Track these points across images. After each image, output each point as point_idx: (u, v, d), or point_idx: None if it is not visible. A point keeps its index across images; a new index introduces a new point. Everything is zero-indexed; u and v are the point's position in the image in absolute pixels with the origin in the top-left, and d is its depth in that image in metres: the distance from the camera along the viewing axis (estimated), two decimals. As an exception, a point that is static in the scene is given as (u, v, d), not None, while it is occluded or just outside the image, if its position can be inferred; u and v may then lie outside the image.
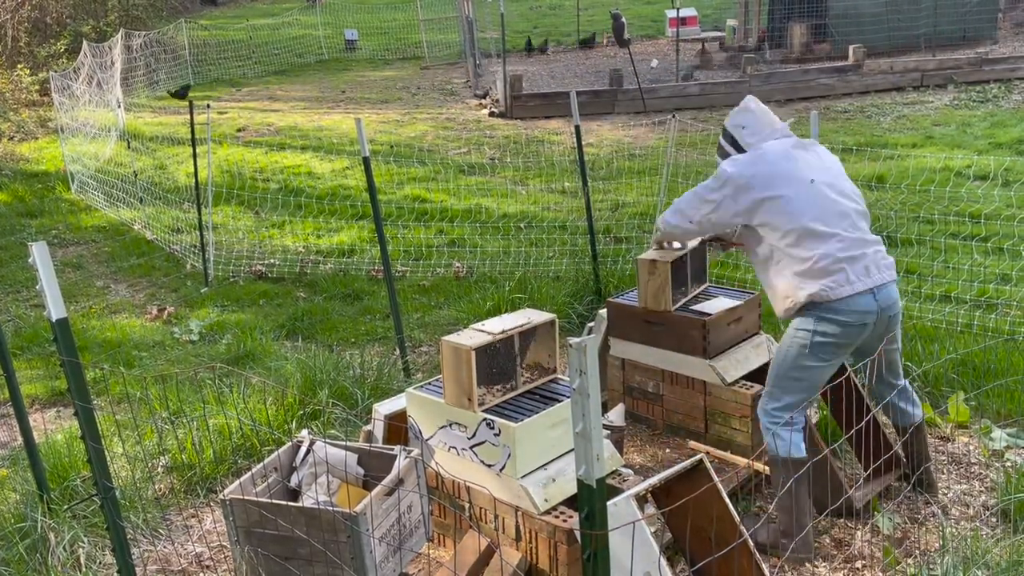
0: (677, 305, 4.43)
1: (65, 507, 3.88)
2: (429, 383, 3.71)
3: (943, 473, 4.18)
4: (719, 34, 18.79)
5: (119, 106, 10.75)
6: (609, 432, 3.92)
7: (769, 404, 3.66)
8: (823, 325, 3.49)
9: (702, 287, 4.71)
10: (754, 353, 4.45)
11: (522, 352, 3.62)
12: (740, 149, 3.87)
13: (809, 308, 3.52)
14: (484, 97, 15.55)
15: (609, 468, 3.58)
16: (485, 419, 3.33)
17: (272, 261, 7.92)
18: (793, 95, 14.13)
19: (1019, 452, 4.29)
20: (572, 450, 1.92)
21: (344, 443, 3.46)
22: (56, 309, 2.79)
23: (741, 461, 4.10)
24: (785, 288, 3.57)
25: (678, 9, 16.34)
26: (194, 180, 7.77)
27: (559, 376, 3.69)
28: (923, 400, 4.68)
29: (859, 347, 3.64)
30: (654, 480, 3.07)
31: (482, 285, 6.85)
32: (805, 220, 3.51)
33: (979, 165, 8.84)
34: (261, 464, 3.30)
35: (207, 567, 3.73)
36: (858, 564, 3.54)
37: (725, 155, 3.93)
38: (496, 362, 3.54)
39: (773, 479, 3.68)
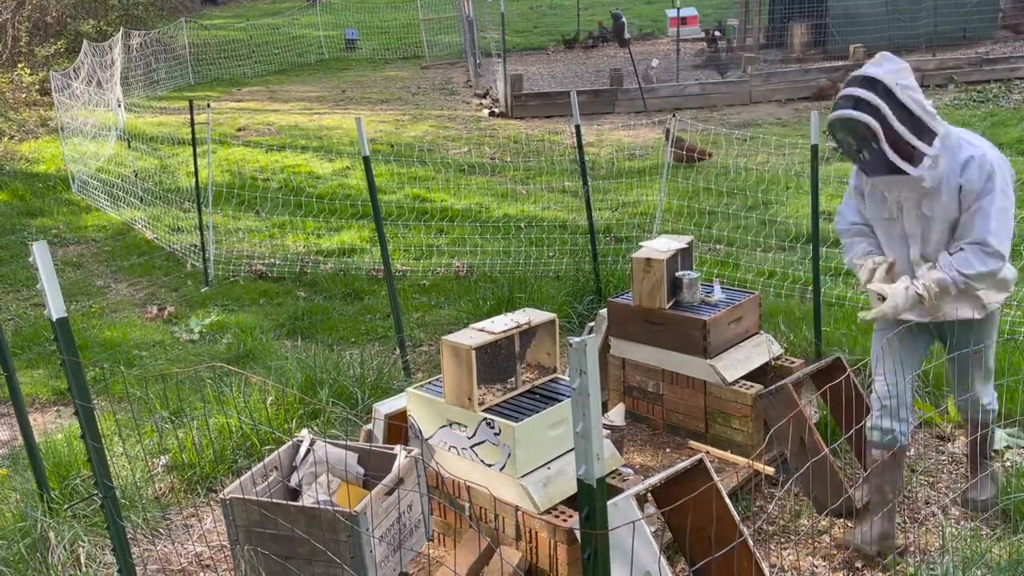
0: (670, 303, 4.42)
1: (65, 506, 3.88)
2: (429, 383, 3.71)
3: (943, 473, 4.18)
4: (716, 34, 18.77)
5: (119, 105, 10.75)
6: (609, 432, 3.92)
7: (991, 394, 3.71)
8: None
9: None
10: (754, 353, 4.45)
11: (522, 352, 3.62)
12: (928, 133, 3.13)
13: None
14: (484, 97, 15.55)
15: (609, 468, 3.58)
16: (485, 419, 3.33)
17: (272, 261, 7.92)
18: (793, 95, 14.13)
19: (1019, 452, 4.29)
20: (572, 450, 1.92)
21: (344, 443, 3.46)
22: (56, 308, 2.79)
23: (741, 461, 4.10)
24: (987, 298, 3.42)
25: (678, 9, 16.34)
26: (194, 180, 7.77)
27: (559, 376, 3.69)
28: (923, 400, 4.68)
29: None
30: (654, 480, 3.07)
31: (482, 285, 6.85)
32: None
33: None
34: (261, 464, 3.30)
35: (207, 566, 3.73)
36: (858, 564, 3.54)
37: (911, 152, 3.09)
38: (496, 362, 3.54)
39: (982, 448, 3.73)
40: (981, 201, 3.16)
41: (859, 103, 3.08)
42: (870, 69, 3.14)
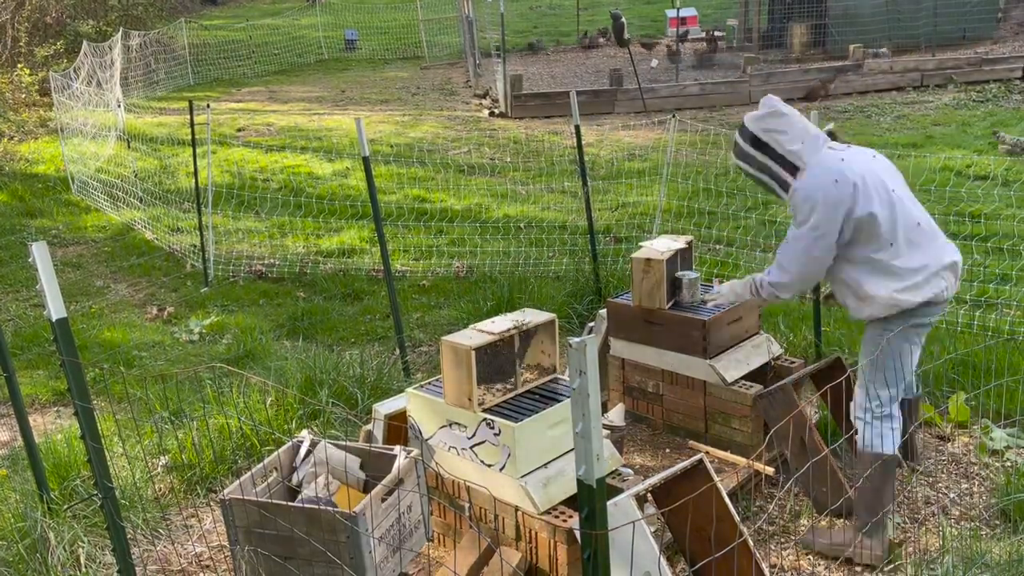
0: (670, 304, 4.42)
1: (65, 507, 3.88)
2: (429, 383, 3.71)
3: (943, 473, 4.18)
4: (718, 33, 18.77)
5: (119, 106, 10.74)
6: (609, 432, 3.92)
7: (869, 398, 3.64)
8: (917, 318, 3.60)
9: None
10: (754, 353, 4.45)
11: (522, 352, 3.62)
12: (792, 167, 3.55)
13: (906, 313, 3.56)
14: (484, 97, 15.56)
15: (609, 468, 3.58)
16: (485, 419, 3.33)
17: (272, 261, 7.92)
18: (793, 95, 14.14)
19: (1019, 452, 4.29)
20: (572, 450, 1.92)
21: (344, 443, 3.46)
22: (56, 309, 2.79)
23: (741, 461, 4.10)
24: (885, 298, 3.51)
25: (678, 9, 16.35)
26: (194, 180, 7.77)
27: (559, 376, 3.69)
28: (923, 400, 4.68)
29: None
30: (654, 480, 3.07)
31: (482, 285, 6.85)
32: (900, 232, 3.51)
33: (979, 165, 8.84)
34: (261, 464, 3.29)
35: (207, 567, 3.73)
36: (858, 568, 3.54)
37: (784, 183, 3.55)
38: (496, 362, 3.54)
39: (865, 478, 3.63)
40: (792, 225, 3.57)
41: (736, 149, 3.73)
42: (746, 117, 3.72)
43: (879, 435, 3.61)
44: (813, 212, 3.46)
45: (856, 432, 3.70)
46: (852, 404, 3.74)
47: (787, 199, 3.61)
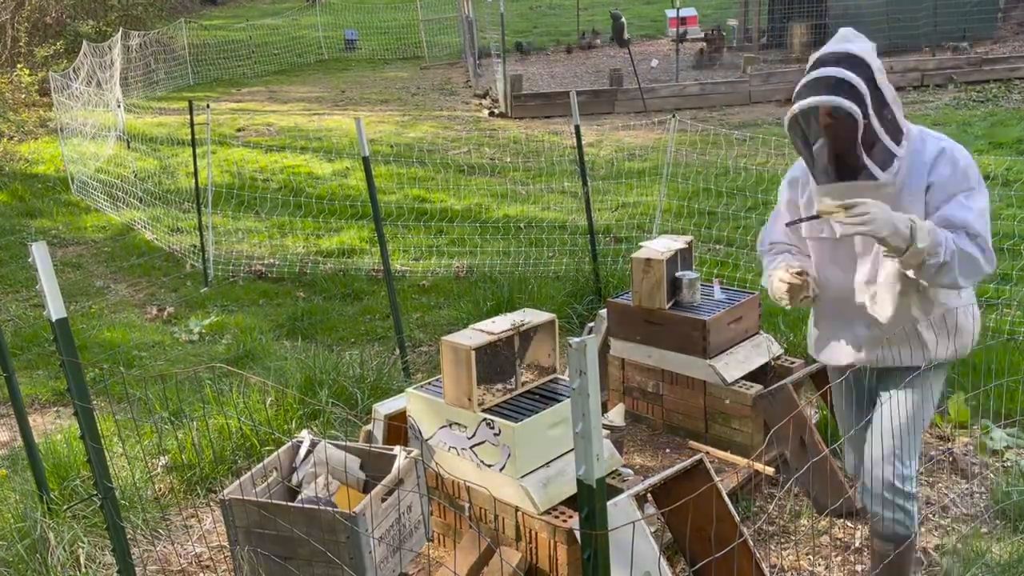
0: (670, 304, 4.42)
1: (65, 507, 3.88)
2: (429, 383, 3.71)
3: (943, 473, 4.18)
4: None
5: (119, 106, 10.73)
6: (609, 432, 3.92)
7: (907, 471, 2.83)
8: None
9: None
10: (754, 353, 4.45)
11: (522, 352, 3.62)
12: (898, 130, 2.59)
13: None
14: (484, 97, 15.56)
15: (609, 468, 3.58)
16: (485, 419, 3.33)
17: (272, 261, 7.92)
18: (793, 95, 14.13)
19: (1019, 452, 4.29)
20: (572, 450, 1.92)
21: (344, 443, 3.46)
22: (56, 309, 2.79)
23: (741, 461, 4.10)
24: (969, 329, 2.85)
25: (678, 9, 16.34)
26: (194, 180, 7.77)
27: (559, 376, 3.69)
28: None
29: None
30: (654, 480, 3.07)
31: (482, 285, 6.85)
32: None
33: (979, 165, 8.83)
34: (261, 464, 3.29)
35: (207, 567, 3.73)
36: (858, 567, 3.54)
37: (882, 154, 2.52)
38: (496, 362, 3.54)
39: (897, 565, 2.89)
40: (959, 196, 2.64)
41: (844, 88, 2.48)
42: (848, 45, 2.59)
43: (916, 514, 2.84)
44: (981, 181, 2.66)
45: (877, 515, 2.85)
46: (872, 479, 2.83)
47: (883, 177, 2.54)
